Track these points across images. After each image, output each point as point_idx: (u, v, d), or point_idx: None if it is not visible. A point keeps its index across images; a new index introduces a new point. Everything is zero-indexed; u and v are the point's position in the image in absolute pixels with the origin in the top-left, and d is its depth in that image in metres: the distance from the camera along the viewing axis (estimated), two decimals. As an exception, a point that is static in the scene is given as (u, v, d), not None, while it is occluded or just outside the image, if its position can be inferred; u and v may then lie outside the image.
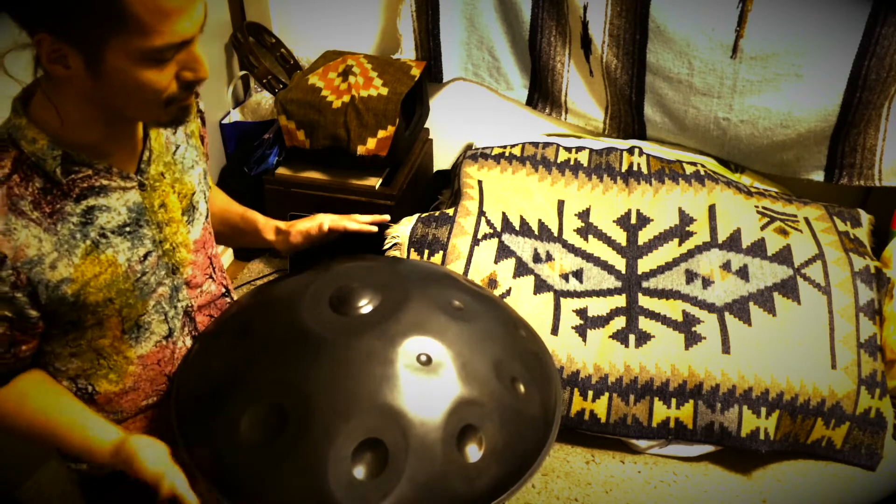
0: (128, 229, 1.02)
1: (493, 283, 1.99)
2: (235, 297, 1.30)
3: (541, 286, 2.04)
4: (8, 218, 0.90)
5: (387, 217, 1.37)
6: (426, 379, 0.96)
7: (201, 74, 0.92)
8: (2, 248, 0.89)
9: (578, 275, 2.12)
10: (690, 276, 2.04)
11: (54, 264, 0.94)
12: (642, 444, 1.93)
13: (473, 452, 0.94)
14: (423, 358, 0.97)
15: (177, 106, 0.94)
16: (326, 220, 1.30)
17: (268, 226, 1.32)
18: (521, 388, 1.04)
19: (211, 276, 1.19)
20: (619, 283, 2.10)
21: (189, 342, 1.16)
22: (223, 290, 1.24)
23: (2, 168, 0.91)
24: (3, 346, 0.96)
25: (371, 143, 2.25)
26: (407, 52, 2.48)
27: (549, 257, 2.13)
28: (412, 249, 2.05)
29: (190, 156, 1.14)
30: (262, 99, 2.65)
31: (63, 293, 0.95)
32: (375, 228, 1.34)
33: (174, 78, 0.91)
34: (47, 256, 0.93)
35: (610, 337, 1.94)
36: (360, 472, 0.88)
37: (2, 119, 0.96)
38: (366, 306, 1.04)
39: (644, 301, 2.02)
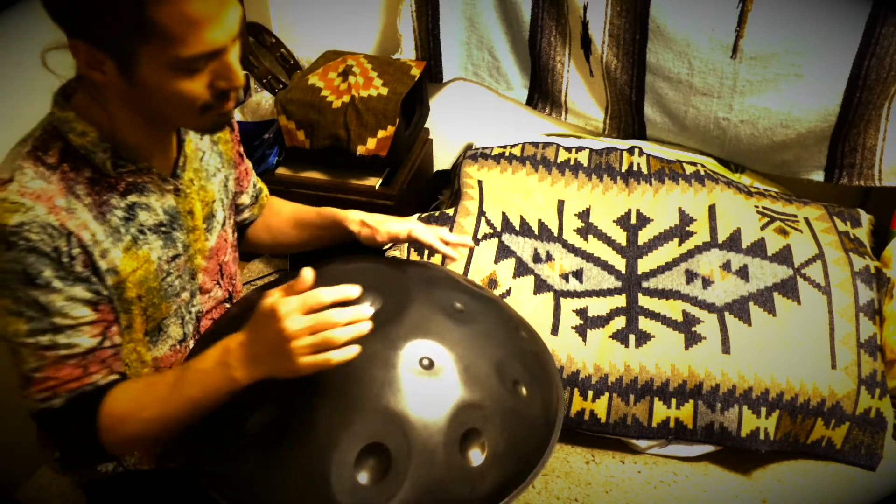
0: (163, 229, 1.03)
1: (492, 283, 1.99)
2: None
3: (541, 286, 2.04)
4: (68, 197, 0.91)
5: (472, 244, 1.35)
6: (429, 382, 0.96)
7: (235, 84, 0.92)
8: (67, 224, 0.89)
9: (578, 275, 2.12)
10: (690, 276, 2.04)
11: (104, 253, 0.95)
12: (642, 444, 1.93)
13: (476, 456, 0.94)
14: (426, 361, 0.97)
15: (214, 113, 0.95)
16: (416, 230, 1.25)
17: (352, 217, 1.28)
18: (523, 390, 1.04)
19: (218, 283, 1.19)
20: (619, 283, 2.10)
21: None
22: (227, 294, 1.24)
23: (50, 157, 0.92)
24: (99, 335, 0.94)
25: (371, 143, 2.25)
26: (407, 52, 2.47)
27: (549, 257, 2.13)
28: (412, 249, 2.05)
29: (213, 163, 1.15)
30: (262, 99, 2.65)
31: (107, 284, 0.96)
32: (457, 257, 1.30)
33: (208, 87, 0.91)
34: (99, 244, 0.94)
35: (610, 337, 1.94)
36: (363, 477, 0.88)
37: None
38: (367, 309, 1.04)
39: (644, 301, 2.02)
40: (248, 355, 0.89)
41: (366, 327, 0.88)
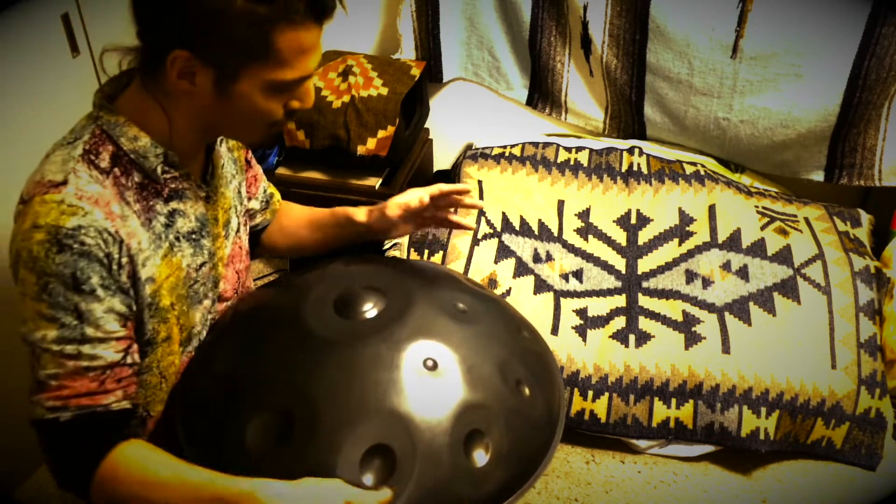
0: (194, 236, 1.03)
1: (493, 283, 1.99)
2: None
3: (541, 286, 2.04)
4: (121, 204, 0.91)
5: (480, 203, 1.31)
6: (432, 383, 0.96)
7: (307, 105, 0.97)
8: (121, 231, 0.89)
9: (578, 275, 2.12)
10: (690, 276, 2.05)
11: (145, 261, 0.94)
12: (642, 444, 1.93)
13: (480, 457, 0.94)
14: (430, 363, 0.97)
15: (274, 131, 0.98)
16: (420, 194, 1.23)
17: (358, 210, 1.28)
18: (526, 390, 1.04)
19: (236, 291, 1.19)
20: (619, 283, 2.10)
21: None
22: None
23: (102, 160, 0.92)
24: (122, 351, 0.92)
25: (371, 143, 2.25)
26: (407, 52, 2.47)
27: (549, 257, 2.13)
28: (412, 249, 2.05)
29: (229, 170, 1.16)
30: (262, 98, 2.65)
31: (144, 293, 0.95)
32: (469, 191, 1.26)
33: (283, 106, 0.95)
34: (143, 252, 0.94)
35: (610, 337, 1.94)
36: (368, 478, 0.88)
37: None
38: (370, 310, 1.04)
39: (644, 301, 2.03)
40: None
41: None
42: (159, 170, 0.96)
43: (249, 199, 1.30)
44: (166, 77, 0.90)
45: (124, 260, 0.89)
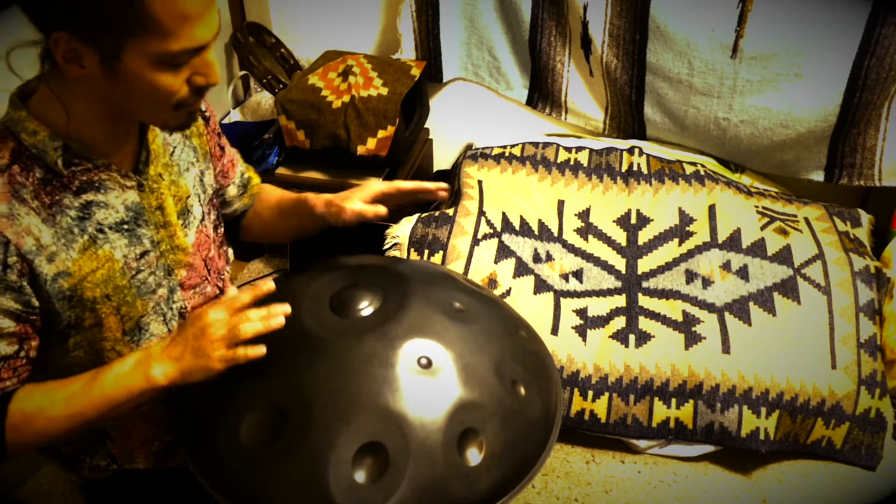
0: (126, 227, 1.02)
1: (492, 283, 1.99)
2: None
3: (541, 286, 2.04)
4: (11, 203, 0.90)
5: (444, 185, 1.30)
6: (427, 381, 0.96)
7: (213, 80, 0.93)
8: (6, 232, 0.89)
9: (578, 275, 2.12)
10: (690, 276, 2.04)
11: (52, 257, 0.94)
12: (642, 444, 1.93)
13: (474, 455, 0.94)
14: (424, 361, 0.97)
15: (185, 110, 0.96)
16: (379, 186, 1.26)
17: (318, 199, 1.28)
18: (522, 390, 1.04)
19: (206, 279, 1.19)
20: (619, 283, 2.10)
21: None
22: (217, 291, 1.24)
23: (1, 158, 0.92)
24: (16, 345, 0.94)
25: (371, 143, 2.25)
26: (407, 52, 2.47)
27: (549, 257, 2.13)
28: (412, 249, 2.05)
29: (186, 157, 1.14)
30: (262, 99, 2.65)
31: (60, 287, 0.95)
32: (432, 186, 1.27)
33: (185, 82, 0.92)
34: (46, 248, 0.93)
35: (610, 337, 1.94)
36: (360, 475, 0.89)
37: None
38: (366, 308, 1.05)
39: (644, 301, 2.02)
40: (167, 355, 0.95)
41: (277, 322, 0.95)
42: (60, 163, 0.94)
43: (228, 185, 1.29)
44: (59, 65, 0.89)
45: (11, 259, 0.89)
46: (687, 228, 2.14)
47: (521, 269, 2.05)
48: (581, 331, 1.96)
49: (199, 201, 1.16)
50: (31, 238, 0.91)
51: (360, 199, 1.24)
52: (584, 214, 2.23)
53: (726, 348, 1.86)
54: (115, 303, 1.02)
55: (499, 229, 2.11)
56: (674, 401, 1.85)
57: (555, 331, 1.94)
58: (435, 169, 2.77)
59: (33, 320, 0.95)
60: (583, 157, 2.33)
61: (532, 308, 1.97)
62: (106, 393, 0.94)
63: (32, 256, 0.91)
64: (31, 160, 0.93)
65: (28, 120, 0.93)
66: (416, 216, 2.13)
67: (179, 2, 0.84)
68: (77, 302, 0.98)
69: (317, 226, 1.29)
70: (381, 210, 1.23)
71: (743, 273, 2.01)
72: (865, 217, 2.20)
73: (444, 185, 1.27)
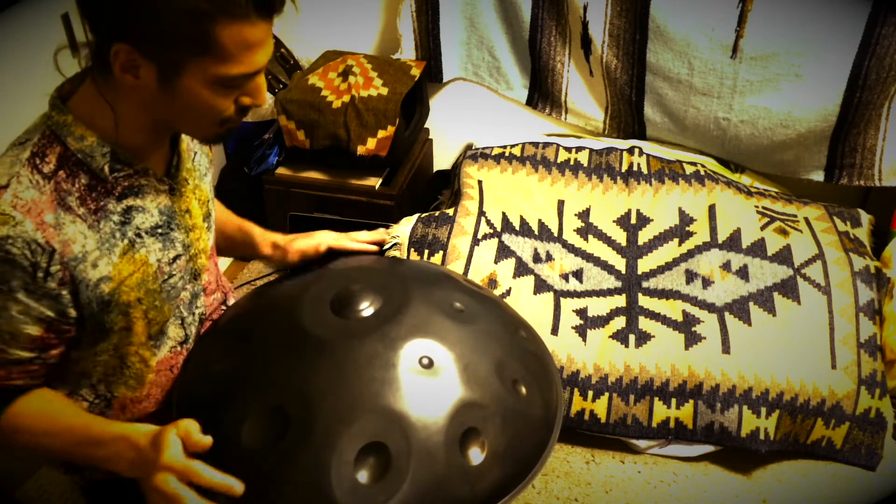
0: (160, 231, 1.03)
1: (493, 283, 1.99)
2: (233, 300, 1.30)
3: (541, 286, 2.04)
4: (58, 212, 0.91)
5: (387, 237, 1.39)
6: (428, 382, 0.96)
7: (259, 101, 0.95)
8: (53, 241, 0.89)
9: (578, 275, 2.12)
10: (690, 276, 2.04)
11: (96, 262, 0.94)
12: (642, 444, 1.93)
13: (476, 455, 0.94)
14: (425, 361, 0.97)
15: (227, 127, 0.97)
16: (326, 241, 1.31)
17: (265, 240, 1.33)
18: (523, 389, 1.04)
19: (218, 284, 1.20)
20: (619, 283, 2.10)
21: None
22: (223, 296, 1.25)
23: (47, 164, 0.92)
24: (34, 351, 0.95)
25: (371, 143, 2.25)
26: (407, 52, 2.47)
27: (549, 257, 2.13)
28: (412, 249, 2.05)
29: (203, 163, 1.16)
30: (262, 99, 2.65)
31: (101, 292, 0.95)
32: (376, 248, 1.36)
33: (234, 102, 0.94)
34: (90, 254, 0.93)
35: (610, 337, 1.94)
36: (363, 476, 0.89)
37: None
38: (367, 309, 1.05)
39: (644, 301, 2.02)
40: (132, 459, 0.92)
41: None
42: (107, 169, 0.95)
43: None
44: (113, 72, 0.89)
45: (54, 268, 0.89)
46: (687, 228, 2.14)
47: (521, 269, 2.05)
48: (581, 331, 1.96)
49: (214, 205, 1.18)
50: (78, 245, 0.92)
51: (305, 246, 1.31)
52: (584, 214, 2.23)
53: (726, 348, 1.86)
54: (145, 306, 1.02)
55: (499, 229, 2.11)
56: (674, 401, 1.85)
57: (555, 331, 1.94)
58: (435, 169, 2.77)
59: (64, 329, 0.96)
60: (583, 157, 2.33)
61: (532, 308, 1.97)
62: (89, 454, 0.96)
63: (77, 263, 0.92)
64: (76, 166, 0.93)
65: (74, 125, 0.93)
66: (416, 216, 2.13)
67: (246, 31, 0.86)
68: (114, 306, 0.98)
69: (251, 258, 1.37)
70: (322, 249, 1.31)
71: (743, 273, 2.01)
72: (865, 217, 2.21)
73: (384, 236, 1.37)
